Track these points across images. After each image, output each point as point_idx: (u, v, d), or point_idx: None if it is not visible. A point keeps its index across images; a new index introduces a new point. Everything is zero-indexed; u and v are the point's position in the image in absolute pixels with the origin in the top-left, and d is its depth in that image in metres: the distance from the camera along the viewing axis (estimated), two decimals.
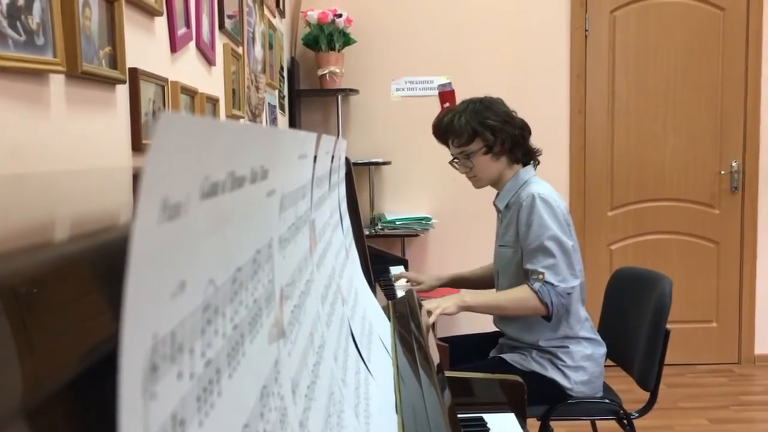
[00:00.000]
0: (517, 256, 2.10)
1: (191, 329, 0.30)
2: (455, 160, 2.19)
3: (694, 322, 3.95)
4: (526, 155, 2.16)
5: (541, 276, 1.99)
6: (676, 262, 3.91)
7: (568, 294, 2.01)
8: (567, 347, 2.08)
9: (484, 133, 2.08)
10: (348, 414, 0.75)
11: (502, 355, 2.16)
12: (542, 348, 2.09)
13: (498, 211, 2.23)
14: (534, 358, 2.09)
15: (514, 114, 2.15)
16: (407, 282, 2.51)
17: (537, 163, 2.20)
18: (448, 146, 2.19)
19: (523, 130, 2.13)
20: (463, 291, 2.23)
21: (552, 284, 1.98)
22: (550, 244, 1.99)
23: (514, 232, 2.10)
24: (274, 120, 3.02)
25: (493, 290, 2.27)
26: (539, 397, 1.97)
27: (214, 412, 0.33)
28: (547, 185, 2.11)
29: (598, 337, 2.16)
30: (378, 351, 1.15)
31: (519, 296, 2.03)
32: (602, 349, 2.15)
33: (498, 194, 2.21)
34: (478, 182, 2.20)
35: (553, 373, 2.07)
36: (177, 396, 0.28)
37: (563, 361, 2.07)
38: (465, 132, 2.10)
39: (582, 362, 2.08)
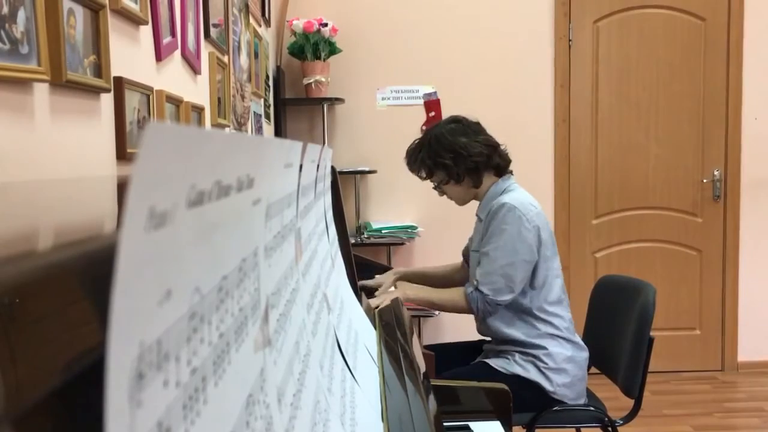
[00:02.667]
0: None
1: (177, 337, 0.30)
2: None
3: (677, 330, 3.98)
4: (496, 169, 2.21)
5: (475, 282, 2.10)
6: (659, 270, 3.94)
7: (497, 305, 2.10)
8: (547, 348, 2.10)
9: (438, 169, 2.20)
10: (334, 423, 0.75)
11: (486, 360, 2.18)
12: (525, 350, 2.11)
13: (480, 219, 2.26)
14: (517, 361, 2.12)
15: (472, 139, 2.17)
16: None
17: (510, 172, 2.26)
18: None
19: (481, 155, 2.16)
20: (407, 285, 2.33)
21: (482, 292, 2.09)
22: (495, 255, 2.07)
23: (482, 237, 2.17)
24: (260, 129, 3.02)
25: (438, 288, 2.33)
26: (522, 400, 1.98)
27: (200, 420, 0.33)
28: (521, 193, 2.17)
29: (580, 341, 2.19)
30: (364, 359, 1.15)
31: (451, 296, 2.17)
32: (584, 354, 2.17)
33: (479, 205, 2.27)
34: (457, 202, 2.32)
35: (535, 376, 2.09)
36: (163, 404, 0.28)
37: (545, 363, 2.09)
38: (423, 169, 2.23)
39: (564, 364, 2.10)
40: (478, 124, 2.24)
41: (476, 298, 2.09)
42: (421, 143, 2.23)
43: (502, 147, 2.23)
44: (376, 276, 2.57)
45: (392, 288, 2.50)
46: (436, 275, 2.54)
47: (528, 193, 2.19)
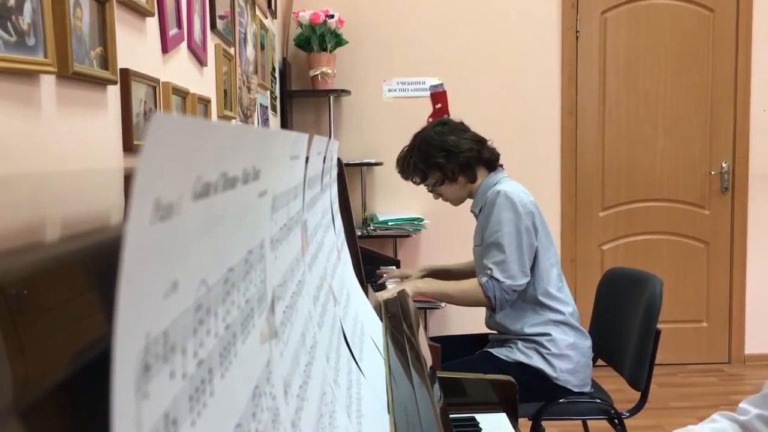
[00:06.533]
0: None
1: (183, 329, 0.30)
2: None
3: (684, 322, 3.97)
4: (487, 163, 2.25)
5: (489, 271, 2.11)
6: (666, 263, 3.93)
7: (514, 291, 2.11)
8: (550, 335, 2.12)
9: (432, 170, 2.23)
10: (340, 414, 0.76)
11: (489, 349, 2.20)
12: (527, 337, 2.12)
13: (475, 216, 2.29)
14: (519, 348, 2.14)
15: (460, 137, 2.22)
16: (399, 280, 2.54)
17: (501, 166, 2.30)
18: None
19: (471, 150, 2.21)
20: (418, 279, 2.37)
21: (498, 280, 2.09)
22: (503, 241, 2.09)
23: (482, 230, 2.19)
24: (266, 121, 3.02)
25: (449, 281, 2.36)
26: (526, 387, 1.98)
27: (207, 412, 0.33)
28: (513, 183, 2.21)
29: (583, 330, 2.21)
30: (370, 351, 1.15)
31: (466, 287, 2.17)
32: (587, 342, 2.19)
33: (473, 202, 2.30)
34: (452, 203, 2.35)
35: (537, 362, 2.10)
36: (169, 395, 0.28)
37: (548, 349, 2.11)
38: (417, 172, 2.27)
39: (566, 350, 2.11)
40: (462, 123, 2.30)
41: (493, 286, 2.09)
42: (410, 148, 2.28)
43: (489, 142, 2.29)
44: (403, 270, 2.66)
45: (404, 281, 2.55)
46: (460, 271, 2.56)
47: (520, 184, 2.22)
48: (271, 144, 0.51)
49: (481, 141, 2.26)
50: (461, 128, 2.26)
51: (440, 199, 2.34)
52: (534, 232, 2.13)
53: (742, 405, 1.12)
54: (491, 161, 2.26)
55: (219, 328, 0.36)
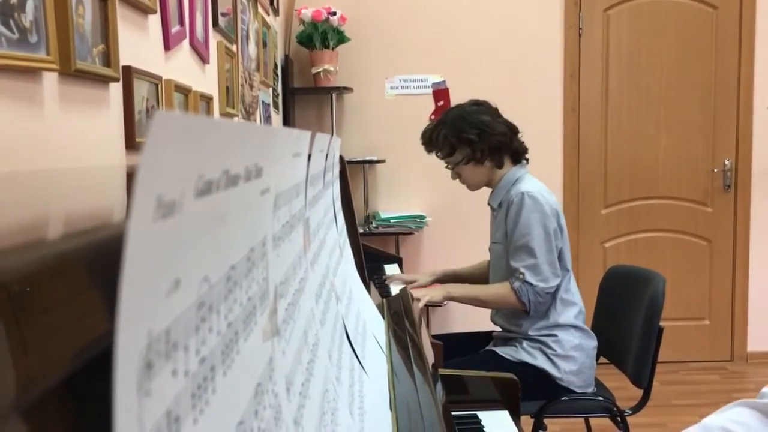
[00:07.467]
0: (507, 252, 2.15)
1: (186, 327, 0.30)
2: (447, 167, 2.28)
3: (687, 320, 3.97)
4: (514, 154, 2.21)
5: (521, 275, 2.07)
6: (669, 260, 3.93)
7: (547, 293, 2.08)
8: (556, 335, 2.11)
9: (462, 146, 2.16)
10: (342, 411, 0.76)
11: (494, 348, 2.19)
12: (532, 337, 2.12)
13: (492, 209, 2.26)
14: (524, 348, 2.13)
15: (495, 119, 2.18)
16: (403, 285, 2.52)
17: (527, 160, 2.25)
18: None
19: (504, 135, 2.17)
20: (449, 284, 2.36)
21: (531, 284, 2.05)
22: (534, 244, 2.05)
23: (504, 229, 2.15)
24: (268, 118, 3.02)
25: (479, 284, 2.33)
26: (529, 387, 1.98)
27: (209, 410, 0.33)
28: (537, 183, 2.17)
29: (589, 330, 2.20)
30: (372, 348, 1.15)
31: (499, 292, 2.13)
32: (592, 342, 2.18)
33: (491, 193, 2.25)
34: (470, 187, 2.29)
35: (542, 362, 2.09)
36: (172, 393, 0.28)
37: (553, 349, 2.10)
38: (445, 146, 2.19)
39: (571, 352, 2.10)
40: (497, 108, 2.25)
41: (526, 291, 2.06)
42: (442, 122, 2.21)
43: (519, 135, 2.25)
44: (411, 274, 2.64)
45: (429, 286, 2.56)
46: (467, 274, 2.55)
47: (542, 183, 2.19)
48: (273, 141, 0.51)
49: (513, 129, 2.22)
50: (495, 112, 2.22)
51: (457, 180, 2.27)
52: (560, 233, 2.11)
53: (764, 390, 1.09)
54: (518, 153, 2.21)
55: (221, 326, 0.36)
